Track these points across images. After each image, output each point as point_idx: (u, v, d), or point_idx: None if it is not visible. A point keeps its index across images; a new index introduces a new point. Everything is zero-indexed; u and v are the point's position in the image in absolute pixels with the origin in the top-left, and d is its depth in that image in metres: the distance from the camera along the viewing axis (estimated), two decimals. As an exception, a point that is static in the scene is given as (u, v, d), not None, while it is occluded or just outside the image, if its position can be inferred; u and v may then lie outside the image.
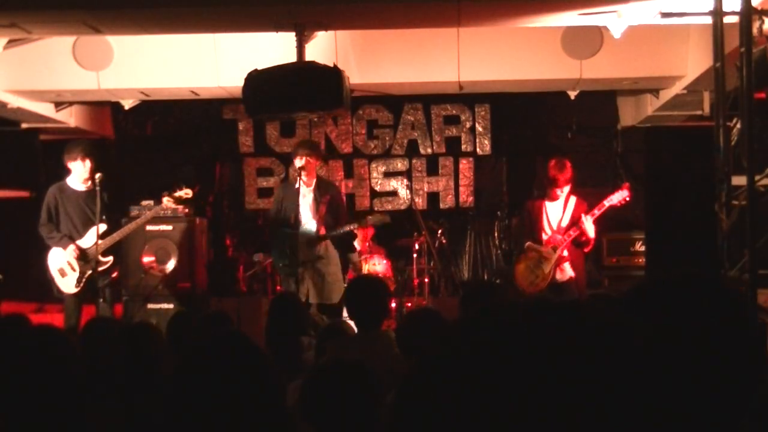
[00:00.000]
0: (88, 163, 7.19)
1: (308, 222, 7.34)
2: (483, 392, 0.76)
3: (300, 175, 7.26)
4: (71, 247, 7.11)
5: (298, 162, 7.30)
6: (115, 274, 7.47)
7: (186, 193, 7.61)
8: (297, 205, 7.26)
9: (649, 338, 0.80)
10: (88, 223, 7.16)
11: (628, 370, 0.77)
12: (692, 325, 1.20)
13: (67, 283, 7.16)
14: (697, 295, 1.26)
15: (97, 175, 7.10)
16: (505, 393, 0.76)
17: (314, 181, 7.46)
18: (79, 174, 7.23)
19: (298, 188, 7.26)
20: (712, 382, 1.13)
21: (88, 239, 7.15)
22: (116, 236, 7.25)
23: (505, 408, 0.76)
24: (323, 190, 7.48)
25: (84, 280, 7.12)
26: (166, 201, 7.63)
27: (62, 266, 7.17)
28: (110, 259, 7.26)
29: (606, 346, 0.79)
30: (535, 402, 0.75)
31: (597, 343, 0.79)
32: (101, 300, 7.23)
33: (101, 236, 7.12)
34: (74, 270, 7.14)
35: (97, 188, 7.06)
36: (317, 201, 7.37)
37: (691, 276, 1.30)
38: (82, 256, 7.12)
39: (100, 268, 7.17)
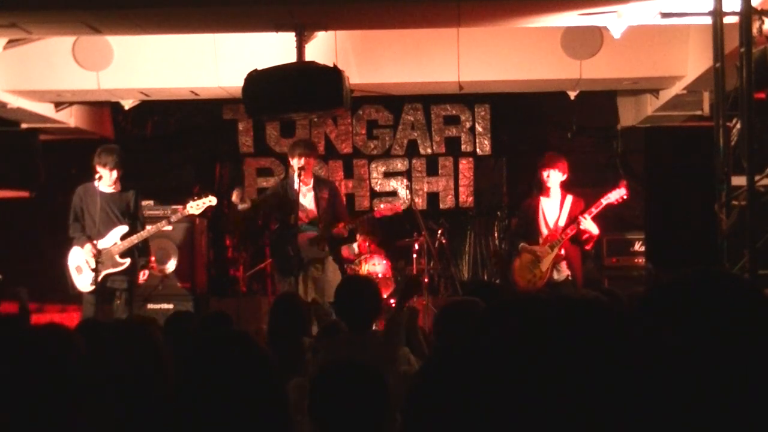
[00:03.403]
0: (115, 173, 7.19)
1: (310, 221, 7.38)
2: (495, 390, 0.76)
3: (300, 176, 7.27)
4: (88, 246, 7.13)
5: (297, 163, 7.32)
6: (143, 278, 7.42)
7: (210, 200, 7.46)
8: (297, 205, 7.27)
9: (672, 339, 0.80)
10: (110, 225, 7.18)
11: (646, 368, 0.77)
12: (721, 323, 1.19)
13: (83, 281, 7.19)
14: (723, 293, 1.25)
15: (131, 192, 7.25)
16: (518, 391, 0.76)
17: (312, 180, 7.50)
18: (105, 179, 7.23)
19: (298, 188, 7.27)
20: (745, 383, 1.12)
21: (109, 240, 7.17)
22: (135, 239, 7.24)
23: (517, 406, 0.76)
24: (322, 187, 7.53)
25: (99, 279, 7.13)
26: (190, 207, 7.44)
27: (79, 264, 7.20)
28: (127, 260, 7.24)
29: (626, 344, 0.79)
30: (550, 404, 0.76)
31: (620, 342, 0.79)
32: (118, 302, 7.25)
33: (122, 238, 7.16)
34: (90, 268, 7.17)
35: (129, 192, 7.29)
36: (317, 198, 7.41)
37: (713, 274, 1.29)
38: (99, 255, 7.12)
39: (115, 269, 7.18)
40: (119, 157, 7.22)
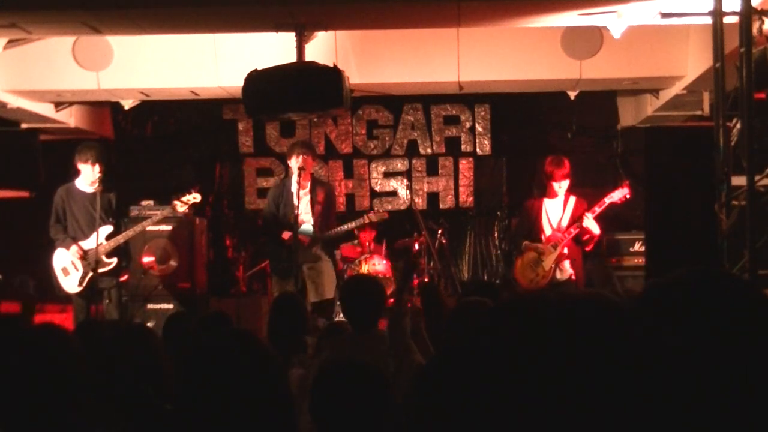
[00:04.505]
0: (97, 167, 7.13)
1: (306, 222, 7.39)
2: (497, 389, 0.77)
3: (299, 176, 7.28)
4: (74, 248, 7.11)
5: (296, 163, 7.32)
6: (124, 277, 7.43)
7: (195, 197, 7.46)
8: (295, 207, 7.28)
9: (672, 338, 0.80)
10: (94, 225, 7.15)
11: (647, 366, 0.77)
12: (719, 323, 1.19)
13: (70, 283, 7.16)
14: (722, 293, 1.25)
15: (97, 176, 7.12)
16: (520, 390, 0.76)
17: (309, 182, 7.50)
18: (87, 176, 7.18)
19: (296, 190, 7.27)
20: (743, 382, 1.12)
21: (93, 240, 7.14)
22: (120, 238, 7.22)
23: (518, 405, 0.76)
24: (318, 189, 7.53)
25: (86, 280, 7.11)
26: (176, 205, 7.43)
27: (65, 266, 7.17)
28: (114, 260, 7.23)
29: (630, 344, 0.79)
30: (552, 403, 0.76)
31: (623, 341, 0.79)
32: (107, 301, 7.24)
33: (107, 238, 7.14)
34: (77, 270, 7.14)
35: (111, 193, 7.18)
36: (313, 201, 7.43)
37: (712, 274, 1.29)
38: (85, 256, 7.10)
39: (103, 269, 7.16)
40: (100, 152, 7.17)
